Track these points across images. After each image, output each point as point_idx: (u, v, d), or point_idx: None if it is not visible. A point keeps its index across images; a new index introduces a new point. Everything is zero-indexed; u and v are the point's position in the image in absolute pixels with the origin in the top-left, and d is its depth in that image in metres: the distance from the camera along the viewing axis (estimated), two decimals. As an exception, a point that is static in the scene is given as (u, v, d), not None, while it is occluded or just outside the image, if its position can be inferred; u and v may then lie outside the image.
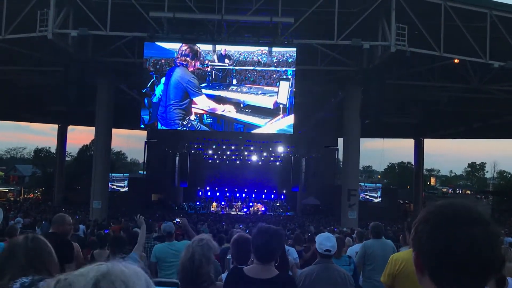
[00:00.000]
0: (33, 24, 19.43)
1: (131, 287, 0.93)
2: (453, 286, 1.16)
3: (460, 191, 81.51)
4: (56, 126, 42.47)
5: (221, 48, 21.81)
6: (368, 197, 39.88)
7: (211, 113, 22.38)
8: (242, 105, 22.29)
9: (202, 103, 22.25)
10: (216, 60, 21.92)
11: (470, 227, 1.15)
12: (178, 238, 7.89)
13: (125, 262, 0.99)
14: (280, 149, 40.24)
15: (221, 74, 22.15)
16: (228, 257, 4.97)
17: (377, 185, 46.83)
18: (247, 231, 14.32)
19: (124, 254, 5.38)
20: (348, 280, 4.21)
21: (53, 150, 50.78)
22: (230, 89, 22.32)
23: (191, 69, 21.97)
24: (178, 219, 18.72)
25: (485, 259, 1.14)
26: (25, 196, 55.59)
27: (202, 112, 22.33)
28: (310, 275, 4.16)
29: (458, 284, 1.16)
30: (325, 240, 4.38)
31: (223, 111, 22.26)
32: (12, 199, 49.95)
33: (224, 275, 3.65)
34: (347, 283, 4.18)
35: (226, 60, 21.92)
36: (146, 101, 22.54)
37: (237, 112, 22.31)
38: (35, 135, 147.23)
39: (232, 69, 22.06)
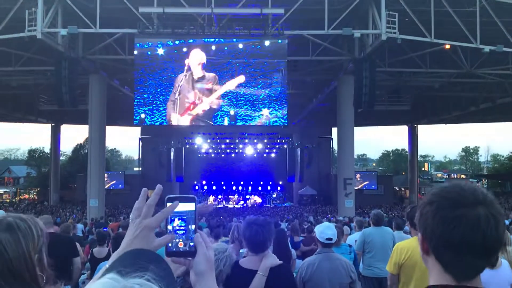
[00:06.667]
0: (22, 24, 19.25)
1: None
2: (456, 265, 1.19)
3: (455, 176, 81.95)
4: (49, 126, 42.28)
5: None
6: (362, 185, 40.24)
7: (206, 107, 22.38)
8: (236, 98, 22.32)
9: (195, 98, 22.22)
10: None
11: (474, 207, 1.17)
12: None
13: None
14: (275, 140, 40.28)
15: (214, 67, 22.20)
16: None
17: (372, 172, 47.15)
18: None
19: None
20: (350, 269, 4.25)
21: (47, 150, 50.56)
22: (223, 82, 22.33)
23: (185, 64, 22.01)
24: None
25: (488, 239, 1.16)
26: (21, 197, 55.39)
27: (196, 105, 22.32)
28: (312, 265, 4.20)
29: (462, 264, 1.18)
30: (326, 229, 4.43)
31: (217, 104, 22.28)
32: (8, 200, 49.76)
33: None
34: (349, 272, 4.22)
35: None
36: (139, 97, 22.48)
37: (231, 104, 22.35)
38: (28, 136, 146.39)
39: (227, 62, 22.10)
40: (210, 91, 22.20)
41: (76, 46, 22.57)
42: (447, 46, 21.58)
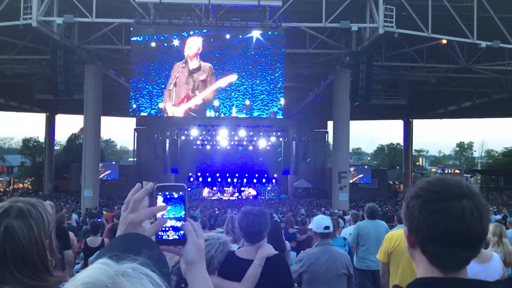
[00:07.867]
0: (17, 12, 19.06)
1: None
2: (443, 258, 1.21)
3: (449, 171, 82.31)
4: (44, 115, 42.07)
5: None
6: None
7: (199, 101, 22.40)
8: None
9: (190, 89, 22.19)
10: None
11: (459, 200, 1.19)
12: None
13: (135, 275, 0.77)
14: (270, 133, 40.25)
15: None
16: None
17: (367, 166, 47.28)
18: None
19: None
20: (347, 262, 4.27)
21: (41, 139, 50.28)
22: (221, 73, 22.32)
23: (184, 55, 22.04)
24: None
25: (472, 231, 1.18)
26: (15, 186, 55.19)
27: (191, 98, 22.30)
28: (311, 257, 4.21)
29: (448, 256, 1.20)
30: (321, 220, 4.46)
31: (211, 98, 22.33)
32: (1, 189, 49.58)
33: None
34: (347, 264, 4.24)
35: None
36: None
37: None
38: (22, 125, 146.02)
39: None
40: (205, 83, 22.14)
41: (72, 35, 22.41)
42: (444, 41, 21.58)
